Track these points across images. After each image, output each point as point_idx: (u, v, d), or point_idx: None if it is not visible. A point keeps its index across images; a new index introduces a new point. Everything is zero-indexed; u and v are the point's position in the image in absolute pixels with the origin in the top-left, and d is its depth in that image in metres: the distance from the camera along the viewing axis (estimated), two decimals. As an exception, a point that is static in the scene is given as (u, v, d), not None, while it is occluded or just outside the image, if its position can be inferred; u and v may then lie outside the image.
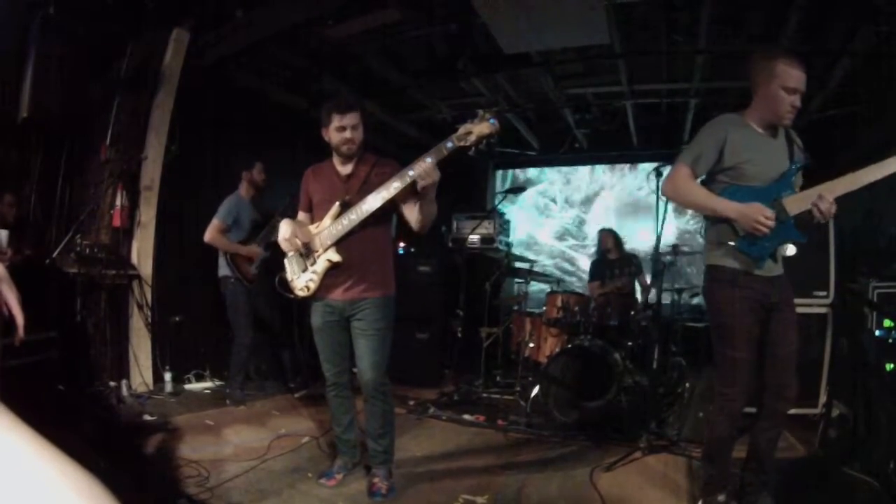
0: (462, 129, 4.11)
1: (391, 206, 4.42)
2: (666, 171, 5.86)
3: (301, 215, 4.78)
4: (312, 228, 4.54)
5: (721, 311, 3.95)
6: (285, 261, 4.69)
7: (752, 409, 4.04)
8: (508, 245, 10.57)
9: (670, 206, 5.96)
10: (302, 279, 4.54)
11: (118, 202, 6.80)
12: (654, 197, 6.12)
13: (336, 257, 4.38)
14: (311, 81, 8.68)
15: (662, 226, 5.93)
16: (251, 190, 7.37)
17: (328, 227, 4.44)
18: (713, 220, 3.97)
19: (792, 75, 3.74)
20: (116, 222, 6.80)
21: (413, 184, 4.21)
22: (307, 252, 4.50)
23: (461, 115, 9.71)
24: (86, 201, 6.70)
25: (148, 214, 7.18)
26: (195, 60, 7.39)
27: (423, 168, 4.08)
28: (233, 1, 6.85)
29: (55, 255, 5.95)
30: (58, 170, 6.55)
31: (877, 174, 3.61)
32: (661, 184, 4.10)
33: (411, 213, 4.43)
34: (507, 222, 10.66)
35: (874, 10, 6.15)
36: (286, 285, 4.68)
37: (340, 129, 4.43)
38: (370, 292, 4.47)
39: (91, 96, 6.71)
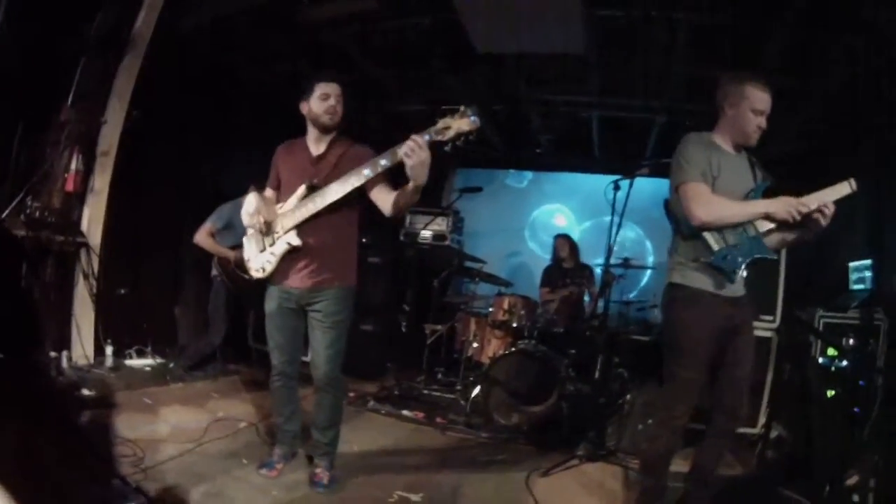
0: (441, 123, 3.96)
1: (359, 193, 4.31)
2: (624, 184, 5.93)
3: (268, 192, 4.68)
4: (277, 208, 4.46)
5: (677, 330, 4.00)
6: (244, 240, 4.65)
7: (696, 426, 4.10)
8: (460, 244, 10.56)
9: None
10: (259, 259, 4.49)
11: (73, 166, 6.65)
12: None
13: (296, 241, 4.30)
14: (283, 62, 8.58)
15: (615, 238, 5.96)
16: None
17: (292, 209, 4.36)
18: (686, 237, 4.01)
19: (760, 97, 3.89)
20: (70, 187, 6.64)
21: (385, 172, 4.17)
22: (267, 231, 4.42)
23: (431, 109, 9.78)
24: (40, 162, 6.53)
25: (102, 181, 7.02)
26: (167, 28, 7.24)
27: (410, 145, 3.82)
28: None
29: (4, 216, 5.82)
30: (15, 127, 6.39)
31: (832, 195, 3.78)
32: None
33: (384, 197, 4.31)
34: (462, 220, 10.64)
35: (850, 48, 6.25)
36: (243, 265, 4.68)
37: (324, 97, 4.38)
38: (329, 282, 4.40)
39: (57, 54, 6.53)
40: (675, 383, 3.99)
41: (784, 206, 3.76)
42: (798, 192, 3.83)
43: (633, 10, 6.54)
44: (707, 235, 3.88)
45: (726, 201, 3.87)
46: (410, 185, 4.02)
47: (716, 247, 3.86)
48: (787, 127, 7.90)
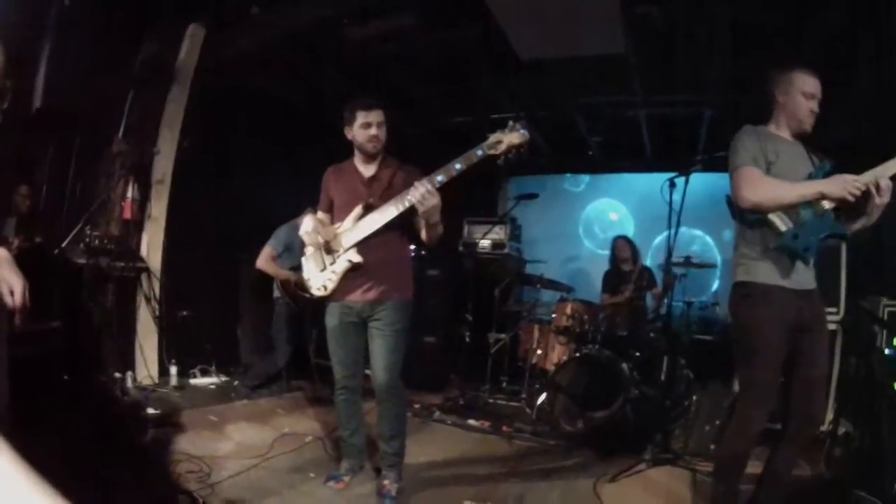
0: (492, 138, 4.14)
1: (410, 213, 4.33)
2: (680, 182, 5.85)
3: (321, 215, 4.73)
4: (335, 227, 4.50)
5: (748, 331, 3.87)
6: (303, 259, 4.68)
7: (772, 426, 3.99)
8: (519, 251, 10.52)
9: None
10: (320, 278, 4.51)
11: (129, 195, 6.81)
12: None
13: (357, 258, 4.36)
14: (327, 83, 8.64)
15: (675, 237, 5.88)
16: None
17: (350, 229, 4.41)
18: (752, 224, 3.90)
19: (809, 81, 3.87)
20: (127, 215, 6.81)
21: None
22: (327, 250, 4.47)
23: (476, 122, 9.77)
24: (96, 193, 6.68)
25: (159, 208, 7.19)
26: (211, 56, 7.38)
27: (420, 192, 4.05)
28: (249, -2, 6.84)
29: (64, 245, 5.93)
30: (69, 160, 6.54)
31: (892, 167, 3.63)
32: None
33: (420, 226, 4.42)
34: (519, 227, 10.61)
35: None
36: (303, 285, 4.68)
37: (366, 126, 4.44)
38: (389, 294, 4.45)
39: (105, 88, 6.68)
40: (750, 385, 3.89)
41: (840, 184, 3.62)
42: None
43: (670, 5, 6.46)
44: (773, 218, 3.76)
45: (777, 182, 3.76)
46: (425, 224, 4.29)
47: (783, 228, 3.73)
48: (836, 115, 7.75)
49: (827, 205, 3.75)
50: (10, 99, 2.52)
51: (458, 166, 4.10)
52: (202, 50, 7.31)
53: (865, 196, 3.64)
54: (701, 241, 11.09)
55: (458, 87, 9.07)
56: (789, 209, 3.76)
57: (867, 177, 3.63)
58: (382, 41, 7.46)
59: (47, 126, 6.13)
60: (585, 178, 12.73)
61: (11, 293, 2.40)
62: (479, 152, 4.13)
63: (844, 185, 3.61)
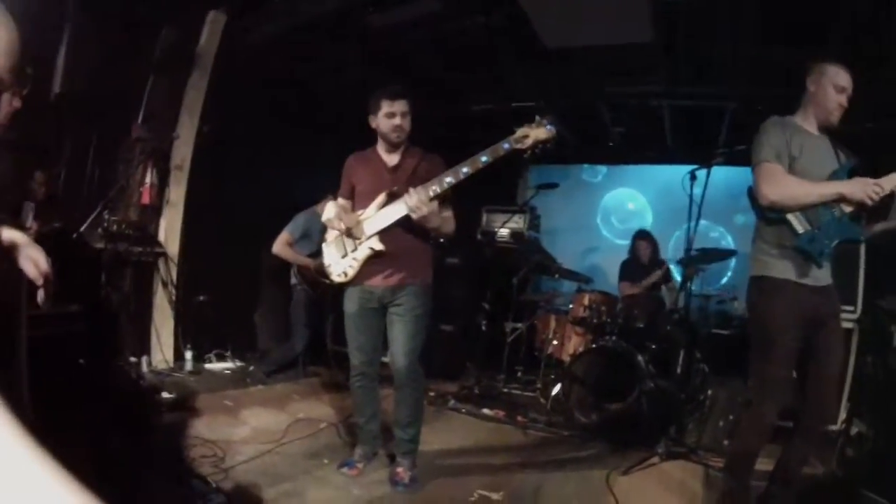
0: (519, 132, 4.15)
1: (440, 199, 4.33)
2: (701, 174, 5.81)
3: (342, 202, 4.71)
4: (357, 215, 4.49)
5: (764, 326, 3.88)
6: (323, 246, 4.69)
7: (784, 424, 3.98)
8: (538, 241, 10.48)
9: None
10: (341, 265, 4.52)
11: (148, 180, 6.83)
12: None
13: (379, 246, 4.37)
14: (350, 70, 8.61)
15: (695, 230, 5.84)
16: None
17: (373, 216, 4.41)
18: (770, 222, 3.90)
19: (841, 74, 3.87)
20: (145, 200, 6.83)
21: (446, 189, 4.23)
22: (349, 237, 4.47)
23: (498, 109, 9.73)
24: (115, 178, 6.69)
25: (177, 193, 7.22)
26: (233, 43, 7.38)
27: (414, 201, 4.13)
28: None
29: (82, 229, 5.95)
30: (88, 146, 6.57)
31: None
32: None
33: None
34: (539, 217, 10.56)
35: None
36: (323, 271, 4.67)
37: (390, 116, 4.44)
38: (410, 279, 4.48)
39: (125, 74, 6.70)
40: (762, 380, 3.90)
41: (860, 186, 3.63)
42: (876, 171, 3.73)
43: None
44: (791, 218, 3.77)
45: (798, 181, 3.77)
46: (426, 226, 4.36)
47: (800, 229, 3.75)
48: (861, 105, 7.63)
49: (846, 207, 3.76)
50: (30, 85, 2.53)
51: (483, 159, 4.12)
52: (223, 36, 7.29)
53: (885, 200, 3.63)
54: (720, 235, 11.02)
55: (481, 74, 9.01)
56: (808, 209, 3.76)
57: (889, 180, 3.62)
58: (406, 27, 7.43)
59: (66, 111, 6.16)
60: (603, 168, 12.66)
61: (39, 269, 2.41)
62: (506, 146, 4.14)
63: (865, 188, 3.62)
